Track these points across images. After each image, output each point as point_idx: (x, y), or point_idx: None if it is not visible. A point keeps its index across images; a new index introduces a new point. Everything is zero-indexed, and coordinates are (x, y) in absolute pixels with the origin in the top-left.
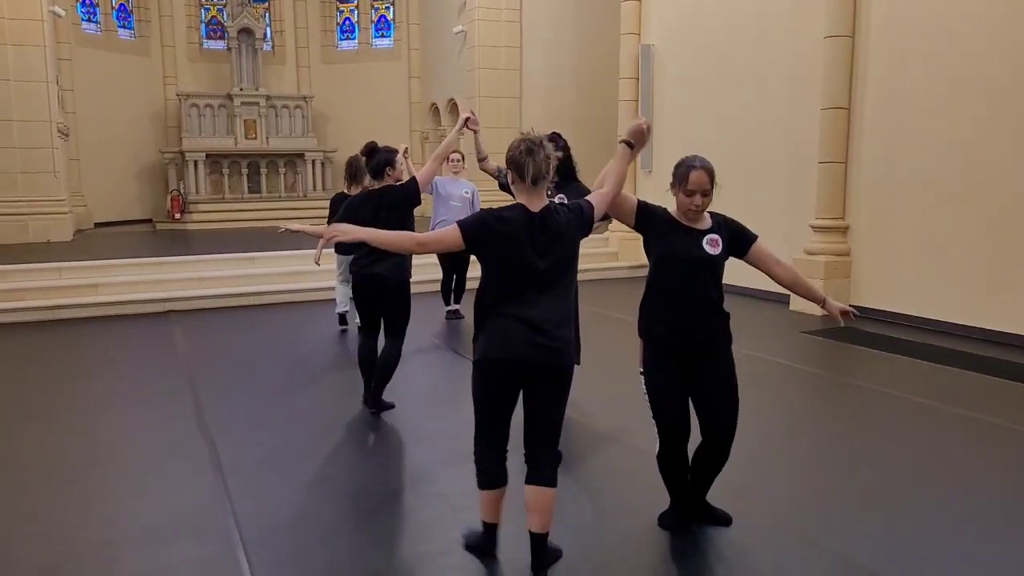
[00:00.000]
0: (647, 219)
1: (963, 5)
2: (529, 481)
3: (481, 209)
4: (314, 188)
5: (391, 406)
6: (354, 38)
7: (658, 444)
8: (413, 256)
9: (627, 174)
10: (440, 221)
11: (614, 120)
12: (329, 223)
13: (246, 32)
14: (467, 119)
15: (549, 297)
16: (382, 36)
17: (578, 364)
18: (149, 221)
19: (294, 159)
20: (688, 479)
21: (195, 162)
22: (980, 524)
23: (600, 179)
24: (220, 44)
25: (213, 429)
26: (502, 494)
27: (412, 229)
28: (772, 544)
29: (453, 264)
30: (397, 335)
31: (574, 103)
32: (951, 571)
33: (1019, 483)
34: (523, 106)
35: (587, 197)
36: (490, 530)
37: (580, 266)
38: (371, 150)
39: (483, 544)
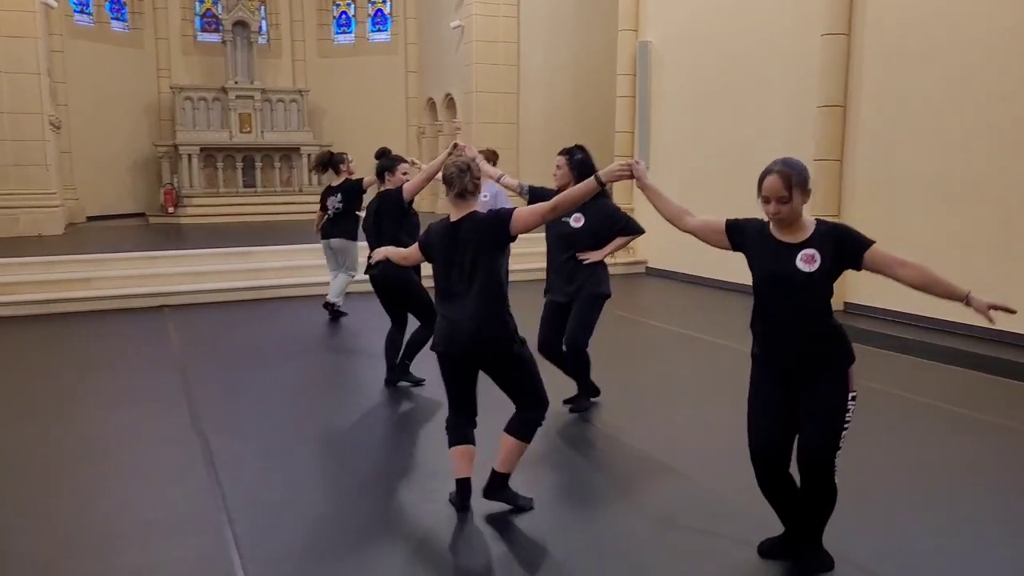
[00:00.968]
0: (739, 237)
1: (960, 2)
2: (504, 429)
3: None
4: (309, 183)
5: (420, 381)
6: (351, 32)
7: None
8: None
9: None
10: None
11: (611, 116)
12: (320, 212)
13: (241, 25)
14: (455, 145)
15: (470, 296)
16: (379, 30)
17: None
18: (142, 215)
19: (289, 153)
20: (790, 508)
21: (189, 156)
22: (980, 524)
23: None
24: (215, 37)
25: (206, 424)
26: (469, 451)
27: (410, 232)
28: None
29: None
30: (423, 323)
31: (572, 99)
32: (950, 571)
33: (1019, 482)
34: (520, 101)
35: (518, 209)
36: (462, 484)
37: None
38: (381, 153)
39: (458, 501)
